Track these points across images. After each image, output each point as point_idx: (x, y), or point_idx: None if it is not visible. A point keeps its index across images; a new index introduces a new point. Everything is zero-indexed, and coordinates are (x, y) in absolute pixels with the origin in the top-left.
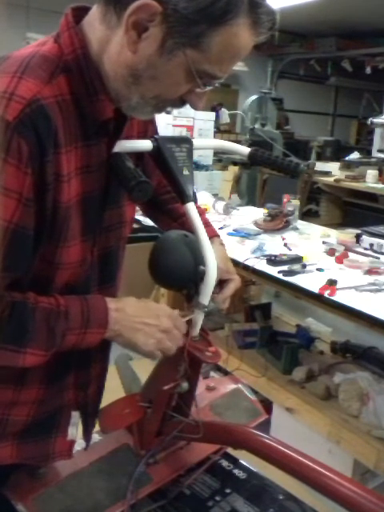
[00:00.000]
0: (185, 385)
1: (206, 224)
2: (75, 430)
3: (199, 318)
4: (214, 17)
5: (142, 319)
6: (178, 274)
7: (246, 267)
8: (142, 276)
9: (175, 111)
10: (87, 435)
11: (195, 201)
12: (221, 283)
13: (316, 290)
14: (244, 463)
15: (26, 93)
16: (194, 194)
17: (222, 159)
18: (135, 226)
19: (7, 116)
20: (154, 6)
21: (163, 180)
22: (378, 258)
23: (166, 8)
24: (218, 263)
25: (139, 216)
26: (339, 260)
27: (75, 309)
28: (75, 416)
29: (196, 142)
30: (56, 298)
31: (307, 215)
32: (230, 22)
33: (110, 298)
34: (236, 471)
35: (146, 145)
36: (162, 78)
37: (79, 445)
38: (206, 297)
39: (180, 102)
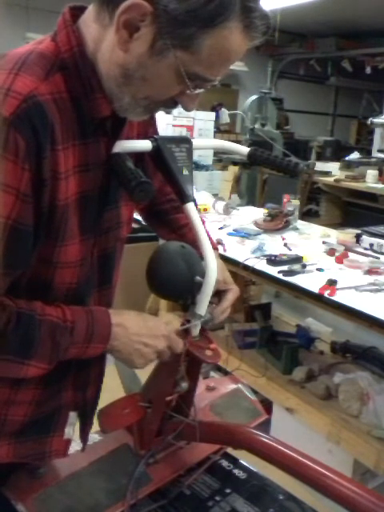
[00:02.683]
0: (185, 385)
1: None
2: (72, 430)
3: (196, 327)
4: (205, 19)
5: (141, 338)
6: (174, 286)
7: (245, 267)
8: (142, 276)
9: (175, 111)
10: (84, 436)
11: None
12: (218, 294)
13: (316, 290)
14: (244, 463)
15: (22, 89)
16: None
17: (222, 159)
18: (135, 226)
19: (4, 111)
20: (145, 5)
21: (164, 187)
22: (378, 258)
23: (157, 8)
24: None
25: (139, 216)
26: (339, 260)
27: (81, 324)
28: (72, 416)
29: (196, 142)
30: (63, 311)
31: (307, 215)
32: (221, 25)
33: (113, 311)
34: (236, 471)
35: (145, 145)
36: (152, 79)
37: (78, 445)
38: (202, 307)
39: (172, 103)
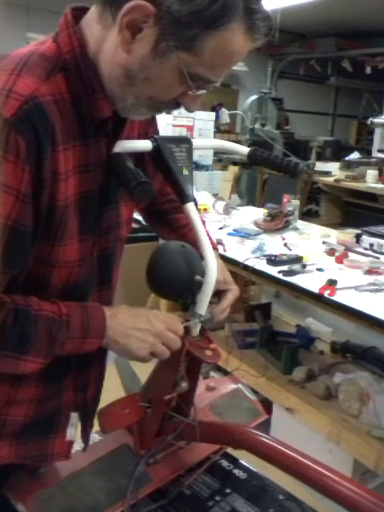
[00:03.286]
0: (185, 385)
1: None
2: (74, 431)
3: (195, 327)
4: (208, 21)
5: (134, 324)
6: (174, 285)
7: (245, 267)
8: (142, 276)
9: (175, 111)
10: (85, 436)
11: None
12: (218, 294)
13: (316, 290)
14: (244, 463)
15: (23, 90)
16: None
17: (222, 159)
18: (135, 226)
19: (5, 113)
20: (148, 7)
21: (164, 188)
22: (378, 258)
23: (160, 10)
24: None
25: (139, 216)
26: (339, 260)
27: (76, 319)
28: (74, 417)
29: (196, 141)
30: (58, 306)
31: (307, 215)
32: (224, 26)
33: (106, 307)
34: (236, 471)
35: (145, 145)
36: (155, 80)
37: (78, 445)
38: (202, 306)
39: (175, 104)
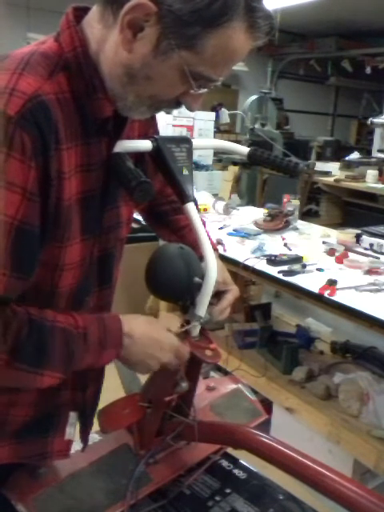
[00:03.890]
0: (185, 385)
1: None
2: (73, 430)
3: (195, 329)
4: (209, 19)
5: (147, 351)
6: (173, 287)
7: (245, 267)
8: (142, 276)
9: (175, 111)
10: (85, 436)
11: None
12: (218, 295)
13: (316, 290)
14: (244, 463)
15: (26, 88)
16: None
17: (222, 159)
18: (135, 226)
19: (9, 111)
20: (149, 6)
21: (165, 189)
22: (378, 258)
23: (161, 8)
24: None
25: (139, 216)
26: (339, 260)
27: (93, 331)
28: (73, 416)
29: (196, 141)
30: (74, 318)
31: (307, 215)
32: (225, 24)
33: (123, 318)
34: (236, 471)
35: (145, 145)
36: (156, 79)
37: (78, 444)
38: (201, 308)
39: (176, 104)
